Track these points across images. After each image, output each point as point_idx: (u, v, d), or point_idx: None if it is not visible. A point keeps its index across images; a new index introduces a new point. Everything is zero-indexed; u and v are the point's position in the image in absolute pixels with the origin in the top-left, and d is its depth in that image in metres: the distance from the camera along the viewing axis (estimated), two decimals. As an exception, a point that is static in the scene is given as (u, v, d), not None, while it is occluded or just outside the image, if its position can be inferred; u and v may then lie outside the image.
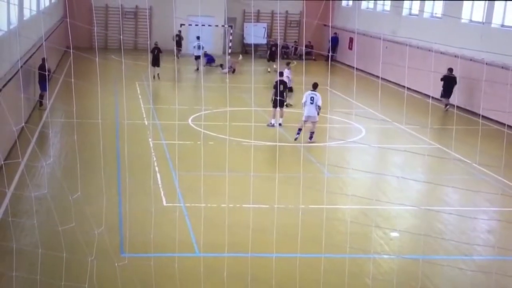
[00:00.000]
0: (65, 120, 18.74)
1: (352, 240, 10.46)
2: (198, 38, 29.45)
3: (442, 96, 22.77)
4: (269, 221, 10.71)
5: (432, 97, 23.78)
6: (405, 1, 28.99)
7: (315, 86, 17.18)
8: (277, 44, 31.16)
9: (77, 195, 9.34)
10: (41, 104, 19.81)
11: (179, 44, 31.30)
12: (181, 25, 33.00)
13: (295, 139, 17.01)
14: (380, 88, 25.07)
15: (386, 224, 11.93)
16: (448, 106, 22.67)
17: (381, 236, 11.37)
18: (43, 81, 19.12)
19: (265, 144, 17.00)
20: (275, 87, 18.67)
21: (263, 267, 9.33)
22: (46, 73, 17.90)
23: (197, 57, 29.05)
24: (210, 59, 31.01)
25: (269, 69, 30.17)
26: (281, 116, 18.72)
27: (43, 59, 19.15)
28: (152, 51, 26.25)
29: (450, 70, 22.63)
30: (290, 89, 21.26)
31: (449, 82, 22.59)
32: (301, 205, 11.47)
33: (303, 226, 10.92)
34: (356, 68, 30.75)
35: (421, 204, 13.08)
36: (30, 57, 18.60)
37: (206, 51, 30.58)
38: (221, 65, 29.89)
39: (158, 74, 26.19)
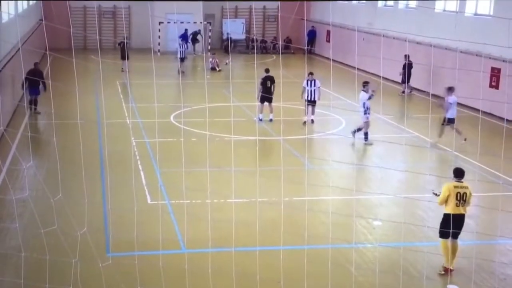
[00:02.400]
0: (47, 122, 18.48)
1: (336, 230, 10.45)
2: (181, 37, 29.20)
3: (403, 81, 23.62)
4: (254, 215, 10.65)
5: (412, 87, 23.89)
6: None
7: (365, 84, 16.79)
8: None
9: (58, 197, 9.19)
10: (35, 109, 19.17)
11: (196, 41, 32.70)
12: (159, 23, 32.75)
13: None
14: (358, 79, 25.07)
15: (368, 213, 11.94)
16: (410, 91, 23.64)
17: (364, 225, 11.37)
18: (33, 86, 18.58)
19: (248, 139, 16.92)
20: (262, 83, 18.57)
21: (249, 260, 9.27)
22: (21, 77, 17.55)
23: (182, 59, 27.28)
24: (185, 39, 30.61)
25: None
26: (271, 112, 18.60)
27: (35, 64, 18.88)
28: (119, 44, 26.90)
29: (407, 56, 23.35)
30: (314, 103, 18.32)
31: (408, 68, 23.54)
32: (284, 198, 11.42)
33: (287, 219, 10.89)
34: (334, 60, 30.76)
35: (402, 192, 13.11)
36: (9, 60, 18.27)
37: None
38: (213, 54, 29.55)
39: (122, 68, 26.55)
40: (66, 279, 8.32)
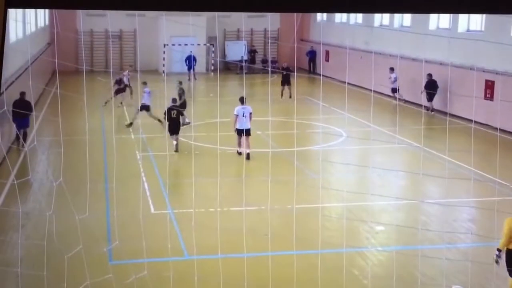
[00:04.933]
0: (52, 139, 18.09)
1: (340, 236, 10.04)
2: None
3: (428, 100, 22.26)
4: (259, 223, 10.29)
5: (399, 99, 23.59)
6: (376, 14, 28.89)
7: None
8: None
9: (51, 211, 8.83)
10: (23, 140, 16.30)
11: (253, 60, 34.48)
12: (164, 45, 32.68)
13: None
14: (356, 96, 24.85)
15: (372, 219, 11.54)
16: (432, 110, 22.24)
17: (367, 230, 10.96)
18: (21, 118, 15.71)
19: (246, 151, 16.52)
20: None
21: (257, 267, 8.86)
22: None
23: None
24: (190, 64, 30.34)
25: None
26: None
27: (22, 93, 16.49)
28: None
29: (430, 75, 22.13)
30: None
31: (431, 87, 22.11)
32: (287, 205, 11.05)
33: (291, 226, 10.50)
34: (334, 79, 30.56)
35: (403, 197, 12.72)
36: (12, 82, 17.17)
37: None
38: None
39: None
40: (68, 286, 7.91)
